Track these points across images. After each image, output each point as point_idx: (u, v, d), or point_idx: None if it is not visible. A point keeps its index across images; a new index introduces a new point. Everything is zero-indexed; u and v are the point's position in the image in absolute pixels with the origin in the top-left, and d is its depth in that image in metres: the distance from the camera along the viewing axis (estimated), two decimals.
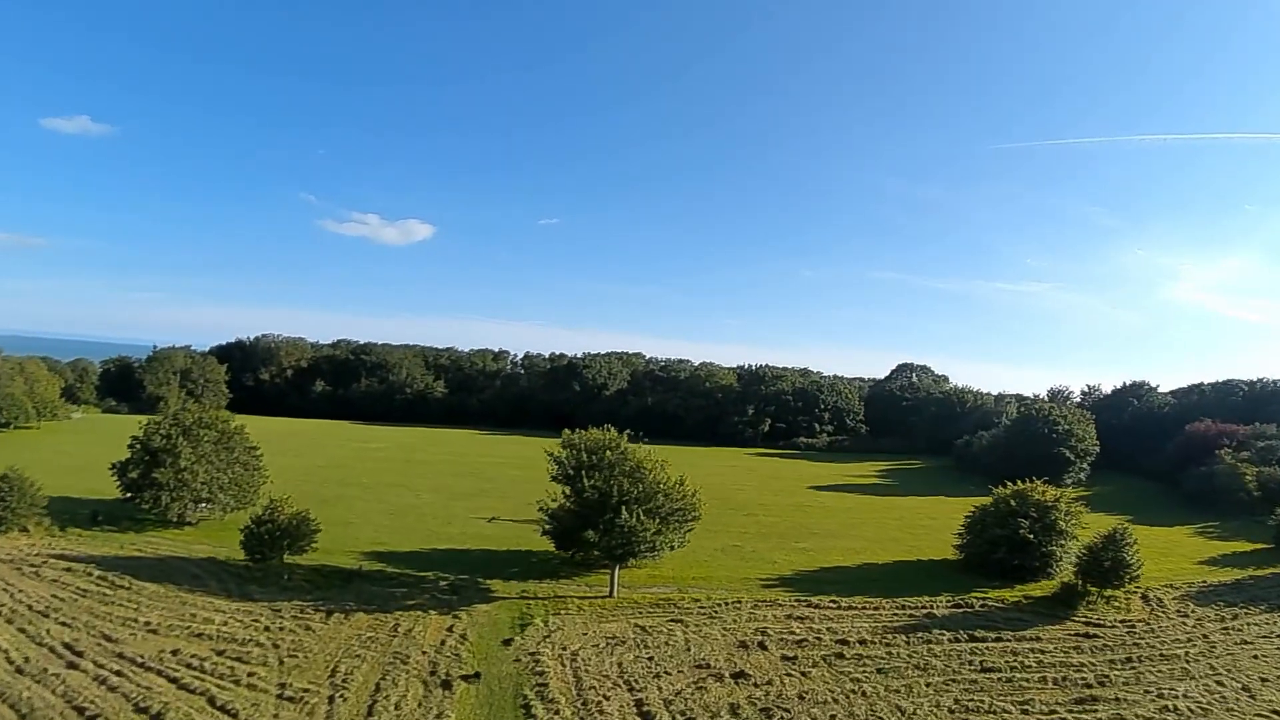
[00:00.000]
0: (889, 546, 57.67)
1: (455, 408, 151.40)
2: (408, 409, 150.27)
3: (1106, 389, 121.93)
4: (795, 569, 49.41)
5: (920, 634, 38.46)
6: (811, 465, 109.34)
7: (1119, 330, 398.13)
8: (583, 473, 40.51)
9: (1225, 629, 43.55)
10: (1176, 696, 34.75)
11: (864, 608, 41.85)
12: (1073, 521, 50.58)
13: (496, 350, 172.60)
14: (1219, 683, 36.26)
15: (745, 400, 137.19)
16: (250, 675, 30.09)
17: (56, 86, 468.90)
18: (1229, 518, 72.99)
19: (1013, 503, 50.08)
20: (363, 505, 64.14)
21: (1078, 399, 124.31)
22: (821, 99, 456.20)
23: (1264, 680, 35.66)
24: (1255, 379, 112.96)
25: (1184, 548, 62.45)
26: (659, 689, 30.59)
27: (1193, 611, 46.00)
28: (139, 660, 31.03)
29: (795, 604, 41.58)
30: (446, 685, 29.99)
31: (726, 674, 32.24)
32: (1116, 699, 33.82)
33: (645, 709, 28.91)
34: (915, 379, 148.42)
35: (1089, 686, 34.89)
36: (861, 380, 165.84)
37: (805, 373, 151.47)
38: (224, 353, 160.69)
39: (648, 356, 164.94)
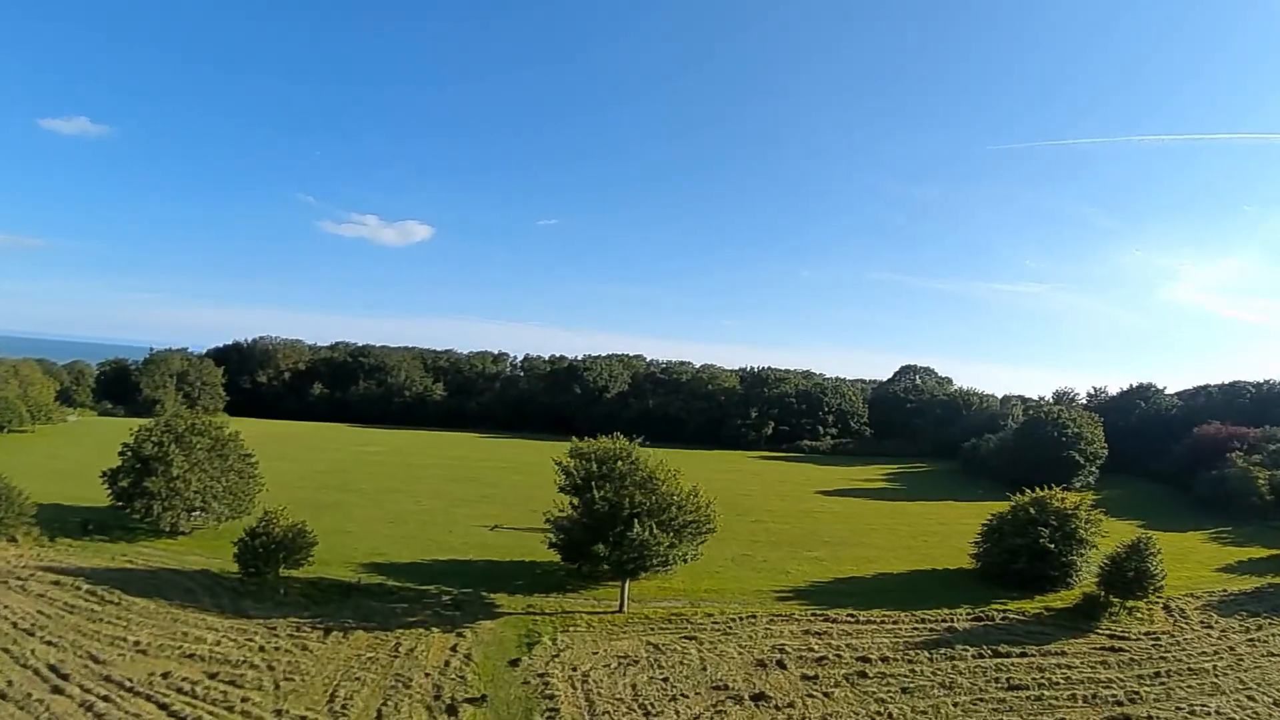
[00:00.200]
0: (902, 555, 56.29)
1: (454, 410, 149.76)
2: (406, 412, 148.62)
3: (1112, 390, 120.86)
4: (809, 580, 48.01)
5: (943, 650, 37.11)
6: (817, 469, 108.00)
7: (1118, 331, 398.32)
8: (593, 484, 38.85)
9: (1251, 640, 42.66)
10: (1209, 713, 33.82)
11: (883, 622, 40.46)
12: (1093, 530, 49.32)
13: (496, 352, 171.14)
14: (1250, 698, 35.43)
15: (748, 403, 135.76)
16: (244, 701, 28.56)
17: (55, 87, 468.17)
18: (1242, 522, 72.13)
19: (1032, 510, 48.73)
20: (361, 512, 62.59)
21: (1084, 401, 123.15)
22: (821, 100, 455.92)
23: None
24: (1262, 381, 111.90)
25: (1200, 554, 61.35)
26: (676, 713, 29.15)
27: (1216, 622, 45.14)
28: (127, 684, 29.47)
29: (812, 618, 40.16)
30: (452, 711, 28.51)
31: (746, 695, 30.80)
32: (1149, 717, 32.67)
33: None
34: (919, 381, 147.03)
35: (1120, 704, 33.87)
36: (864, 382, 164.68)
37: (808, 374, 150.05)
38: (221, 355, 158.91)
39: (648, 358, 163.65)
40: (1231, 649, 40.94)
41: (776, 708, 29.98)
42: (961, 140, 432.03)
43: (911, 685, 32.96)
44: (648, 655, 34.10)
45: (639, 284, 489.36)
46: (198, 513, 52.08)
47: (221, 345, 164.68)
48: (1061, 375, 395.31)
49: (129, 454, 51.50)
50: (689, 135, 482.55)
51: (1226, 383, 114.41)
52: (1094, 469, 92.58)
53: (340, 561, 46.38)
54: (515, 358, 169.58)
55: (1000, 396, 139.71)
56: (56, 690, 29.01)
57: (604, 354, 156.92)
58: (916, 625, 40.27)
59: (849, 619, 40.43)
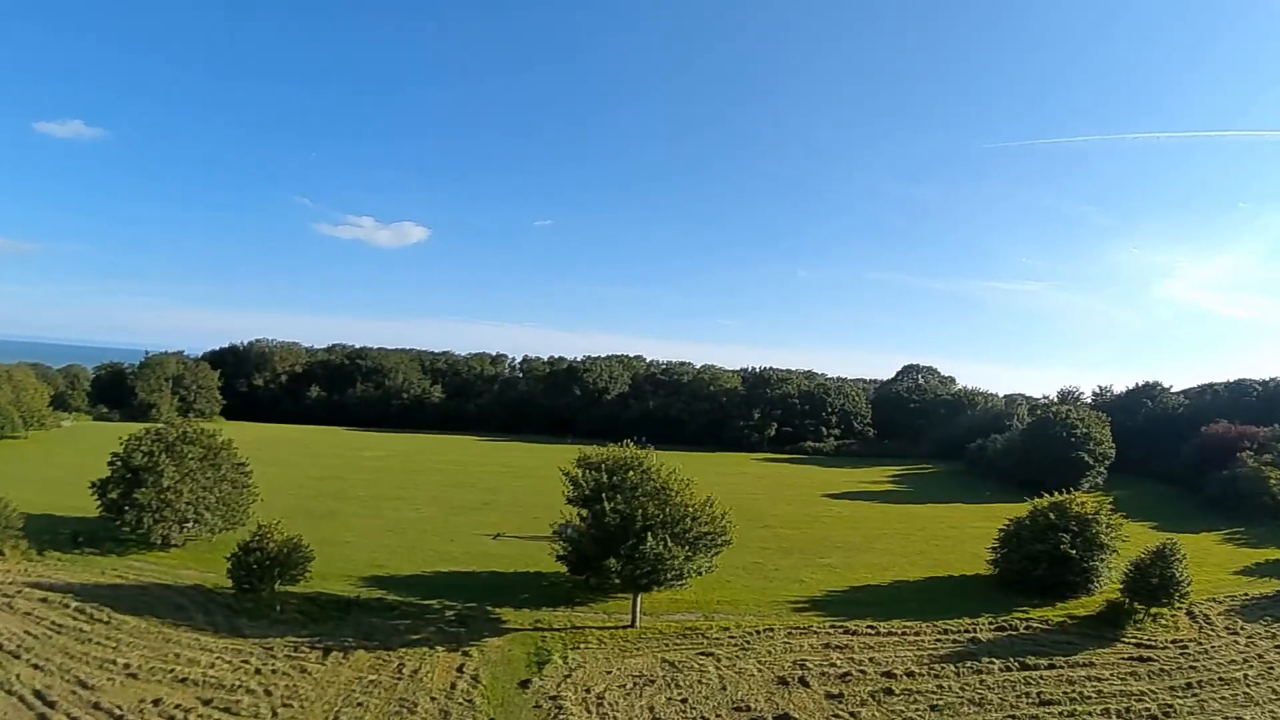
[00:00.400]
0: (916, 561, 54.92)
1: (453, 413, 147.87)
2: (404, 414, 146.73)
3: (1118, 389, 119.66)
4: (824, 589, 46.57)
5: (969, 663, 35.74)
6: (821, 471, 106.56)
7: (1115, 328, 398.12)
8: (603, 495, 37.17)
9: (1279, 646, 41.38)
10: None
11: (904, 633, 39.06)
12: (1113, 534, 48.10)
13: (494, 354, 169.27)
14: None
15: (750, 403, 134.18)
16: None
17: (50, 91, 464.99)
18: (1254, 523, 71.14)
19: (1051, 515, 47.39)
20: (359, 521, 60.92)
21: (1089, 400, 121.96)
22: (818, 99, 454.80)
23: None
24: (1269, 378, 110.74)
25: (1216, 556, 60.23)
26: None
27: (1242, 628, 44.19)
28: (116, 712, 27.87)
29: (831, 630, 38.72)
30: None
31: (769, 717, 29.37)
32: None
33: None
34: (922, 380, 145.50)
35: (1154, 719, 32.49)
36: (865, 382, 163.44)
37: (810, 375, 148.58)
38: (217, 358, 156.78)
39: (648, 359, 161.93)
40: (1260, 656, 39.89)
41: None
42: (958, 139, 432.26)
43: (940, 703, 31.57)
44: (664, 674, 32.56)
45: (636, 284, 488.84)
46: (190, 524, 50.33)
47: (217, 348, 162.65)
48: (1061, 374, 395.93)
49: (118, 464, 49.72)
50: (683, 136, 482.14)
51: (1232, 380, 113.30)
52: (1102, 469, 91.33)
53: (338, 575, 44.72)
54: (514, 359, 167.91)
55: (1004, 396, 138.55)
56: (42, 718, 27.44)
57: (603, 355, 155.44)
58: (939, 637, 38.89)
59: (869, 631, 39.00)
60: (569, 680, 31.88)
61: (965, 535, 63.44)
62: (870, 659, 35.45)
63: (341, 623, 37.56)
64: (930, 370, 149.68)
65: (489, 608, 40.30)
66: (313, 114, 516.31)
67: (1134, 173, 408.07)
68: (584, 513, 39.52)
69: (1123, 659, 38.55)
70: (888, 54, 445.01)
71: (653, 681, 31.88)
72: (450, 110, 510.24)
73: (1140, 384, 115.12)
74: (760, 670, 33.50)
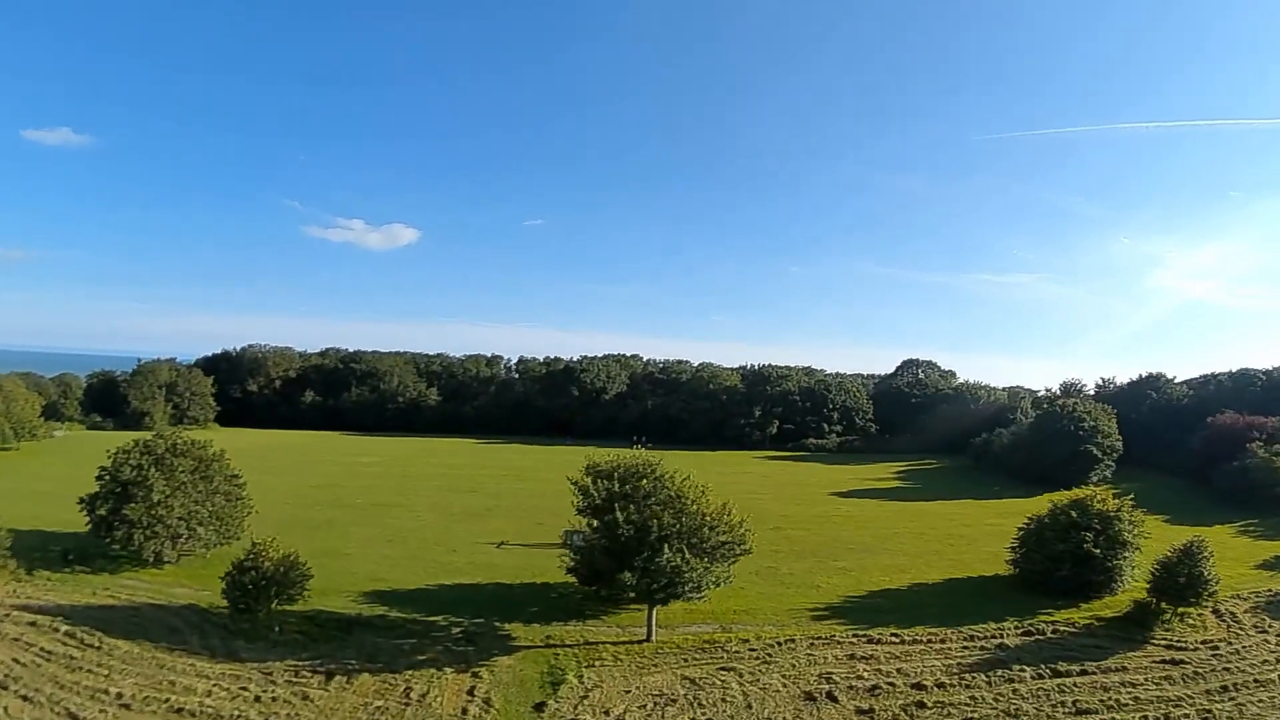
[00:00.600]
0: (933, 562, 53.60)
1: (450, 416, 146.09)
2: (400, 418, 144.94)
3: (1121, 380, 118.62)
4: (842, 595, 45.16)
5: (1000, 671, 34.43)
6: (826, 469, 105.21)
7: (1109, 319, 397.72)
8: (615, 505, 35.50)
9: None
10: None
11: (929, 641, 37.69)
12: (1135, 531, 46.91)
13: (490, 355, 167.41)
14: None
15: (751, 401, 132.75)
16: None
17: (38, 98, 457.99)
18: (1268, 515, 70.25)
19: (1073, 514, 46.12)
20: (358, 531, 59.18)
21: (1092, 392, 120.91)
22: (809, 95, 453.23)
23: None
24: (1271, 367, 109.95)
25: (1233, 550, 59.13)
26: None
27: (1270, 626, 43.31)
28: None
29: (854, 640, 37.29)
30: None
31: None
32: None
33: None
34: (922, 375, 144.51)
35: None
36: (864, 377, 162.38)
37: (810, 371, 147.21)
38: (210, 364, 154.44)
39: (645, 358, 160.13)
40: None
41: None
42: (948, 132, 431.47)
43: (975, 715, 30.27)
44: (685, 692, 31.06)
45: (629, 283, 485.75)
46: (183, 539, 48.50)
47: (210, 354, 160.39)
48: (1059, 366, 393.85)
49: (106, 479, 47.79)
50: (674, 133, 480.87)
51: (1235, 370, 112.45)
52: (1110, 463, 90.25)
53: (338, 590, 42.99)
54: (509, 360, 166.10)
55: (1005, 389, 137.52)
56: None
57: (600, 354, 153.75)
58: (966, 643, 37.56)
59: (894, 639, 37.60)
60: (586, 702, 30.36)
61: (979, 533, 62.20)
62: (898, 670, 34.06)
63: (344, 643, 35.82)
64: (930, 364, 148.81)
65: (497, 623, 38.66)
66: (301, 116, 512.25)
67: (1124, 163, 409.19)
68: (594, 522, 37.85)
69: (1155, 662, 37.39)
70: (877, 48, 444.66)
71: (674, 701, 30.39)
72: (439, 111, 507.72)
73: (1144, 375, 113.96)
74: (785, 685, 32.06)
